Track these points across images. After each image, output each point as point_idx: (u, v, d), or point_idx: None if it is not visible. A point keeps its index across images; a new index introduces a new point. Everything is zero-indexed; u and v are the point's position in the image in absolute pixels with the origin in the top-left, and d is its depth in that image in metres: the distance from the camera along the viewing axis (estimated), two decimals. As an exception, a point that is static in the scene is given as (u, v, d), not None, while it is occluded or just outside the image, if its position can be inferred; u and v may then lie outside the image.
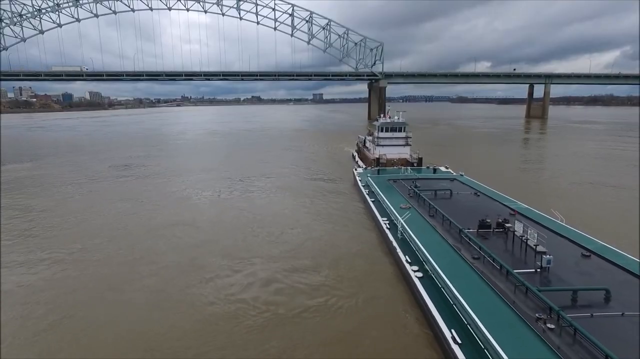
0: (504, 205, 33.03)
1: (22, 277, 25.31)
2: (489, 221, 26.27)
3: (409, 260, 23.33)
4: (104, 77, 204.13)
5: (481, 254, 22.25)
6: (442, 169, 52.05)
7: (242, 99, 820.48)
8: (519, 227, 23.73)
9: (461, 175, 46.66)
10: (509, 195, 37.17)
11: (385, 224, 30.42)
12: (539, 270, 19.84)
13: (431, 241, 25.01)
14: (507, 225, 25.45)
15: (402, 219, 27.98)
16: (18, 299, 22.36)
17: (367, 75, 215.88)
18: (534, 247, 21.89)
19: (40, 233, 33.97)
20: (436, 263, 21.51)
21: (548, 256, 19.55)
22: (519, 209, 31.38)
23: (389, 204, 33.73)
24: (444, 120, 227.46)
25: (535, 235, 21.99)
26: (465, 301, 17.39)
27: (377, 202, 36.86)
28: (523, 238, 23.10)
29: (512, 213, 30.09)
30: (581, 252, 22.45)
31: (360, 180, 46.96)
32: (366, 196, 40.25)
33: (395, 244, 26.46)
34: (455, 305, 17.57)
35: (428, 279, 20.94)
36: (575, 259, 21.78)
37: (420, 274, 21.39)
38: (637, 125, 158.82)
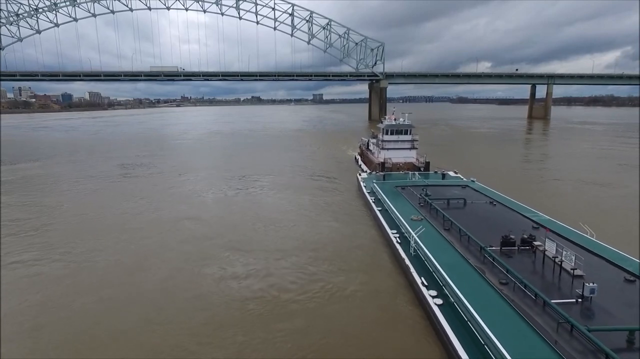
0: (524, 216, 30.35)
1: (58, 263, 27.72)
2: (512, 237, 23.58)
3: (426, 283, 20.71)
4: (102, 78, 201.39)
5: (509, 278, 19.61)
6: (451, 174, 49.39)
7: (242, 99, 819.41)
8: (550, 247, 21.04)
9: (472, 181, 43.98)
10: (524, 202, 34.67)
11: (396, 237, 27.81)
12: (579, 300, 17.18)
13: (449, 260, 22.37)
14: (535, 243, 22.72)
15: (415, 233, 25.35)
16: (55, 280, 25.08)
17: (368, 76, 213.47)
18: (571, 271, 19.24)
19: (60, 228, 35.54)
20: (458, 288, 18.90)
21: (592, 285, 16.84)
22: (541, 221, 28.72)
23: (399, 215, 31.10)
24: (446, 121, 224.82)
25: (573, 257, 19.23)
26: (498, 340, 14.76)
27: (385, 212, 34.23)
28: (556, 259, 20.41)
29: (535, 226, 27.45)
30: (623, 277, 19.76)
31: (365, 186, 44.31)
32: (372, 203, 37.63)
33: (408, 262, 23.84)
34: (486, 345, 14.92)
35: (449, 307, 18.32)
36: (618, 284, 19.08)
37: (439, 301, 18.76)
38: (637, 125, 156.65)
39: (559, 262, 20.10)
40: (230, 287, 23.68)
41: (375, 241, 31.09)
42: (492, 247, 23.13)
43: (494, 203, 34.52)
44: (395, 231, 28.93)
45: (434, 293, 19.57)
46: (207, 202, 44.52)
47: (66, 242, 31.45)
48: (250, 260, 27.59)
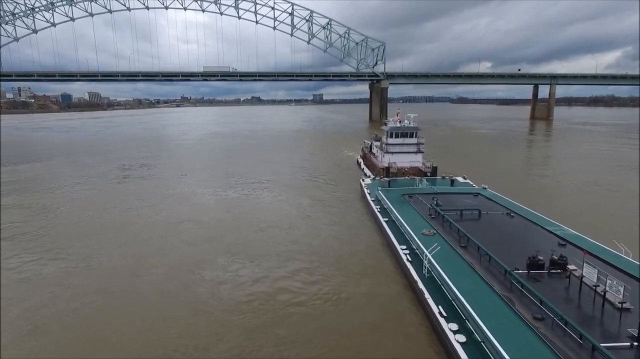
0: (547, 231, 27.53)
1: (56, 266, 27.42)
2: (541, 258, 20.79)
3: (444, 313, 17.97)
4: (99, 78, 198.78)
5: (544, 311, 16.84)
6: (460, 179, 46.63)
7: (241, 99, 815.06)
8: (590, 273, 18.24)
9: (484, 188, 41.15)
10: (540, 211, 32.03)
11: (406, 254, 25.07)
12: (635, 344, 14.40)
13: (470, 286, 19.61)
14: (570, 267, 19.85)
15: (429, 252, 22.59)
16: (54, 283, 24.76)
17: (369, 76, 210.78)
18: (618, 304, 16.47)
19: (60, 230, 35.26)
20: (485, 324, 16.16)
21: None
22: (567, 236, 25.94)
23: (408, 228, 28.36)
24: (446, 121, 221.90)
25: (621, 289, 16.38)
26: None
27: (392, 223, 31.49)
28: (598, 289, 17.60)
29: (562, 243, 24.69)
30: None
31: (369, 193, 41.55)
32: (377, 213, 34.89)
33: (421, 285, 21.11)
34: None
35: (475, 347, 15.58)
36: None
37: (462, 339, 16.00)
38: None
39: (602, 293, 17.28)
40: (229, 292, 23.26)
41: (382, 257, 28.34)
42: (518, 270, 20.37)
43: (512, 214, 31.68)
44: (404, 247, 26.21)
45: (454, 326, 16.84)
46: (207, 205, 43.95)
47: (64, 245, 31.22)
48: (249, 265, 27.16)
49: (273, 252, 29.28)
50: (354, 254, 28.72)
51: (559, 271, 20.24)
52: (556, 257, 20.68)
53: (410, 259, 24.42)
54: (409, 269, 23.49)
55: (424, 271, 22.30)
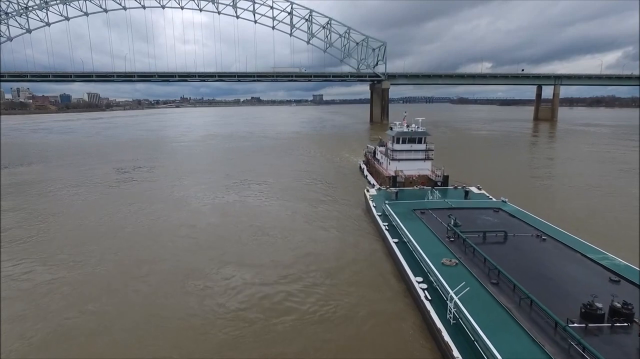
0: (591, 260, 23.15)
1: (47, 272, 26.80)
2: (599, 305, 16.51)
3: None
4: (94, 78, 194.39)
5: None
6: (474, 190, 42.31)
7: (241, 100, 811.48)
8: None
9: (504, 202, 36.78)
10: (569, 229, 28.14)
11: (423, 290, 20.85)
12: None
13: (514, 345, 15.29)
14: None
15: (455, 293, 18.31)
16: (45, 291, 24.12)
17: (370, 76, 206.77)
18: None
19: (54, 236, 34.46)
20: None
21: None
22: (617, 268, 21.60)
23: (424, 255, 24.07)
24: (446, 122, 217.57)
25: None
26: None
27: (403, 246, 27.27)
28: None
29: (614, 279, 20.38)
30: None
31: (374, 206, 37.26)
32: (385, 232, 30.66)
33: (446, 336, 16.92)
34: None
35: None
36: None
37: None
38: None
39: None
40: (223, 306, 22.35)
41: (395, 290, 24.12)
42: (573, 323, 16.09)
43: (543, 237, 27.29)
44: (421, 279, 21.97)
45: None
46: (203, 211, 42.65)
47: (59, 251, 30.59)
48: (245, 275, 26.28)
49: (267, 275, 25.81)
50: (360, 285, 24.57)
51: (625, 324, 15.95)
52: (619, 304, 16.35)
53: (429, 296, 20.21)
54: (428, 311, 19.30)
55: (448, 316, 18.08)
